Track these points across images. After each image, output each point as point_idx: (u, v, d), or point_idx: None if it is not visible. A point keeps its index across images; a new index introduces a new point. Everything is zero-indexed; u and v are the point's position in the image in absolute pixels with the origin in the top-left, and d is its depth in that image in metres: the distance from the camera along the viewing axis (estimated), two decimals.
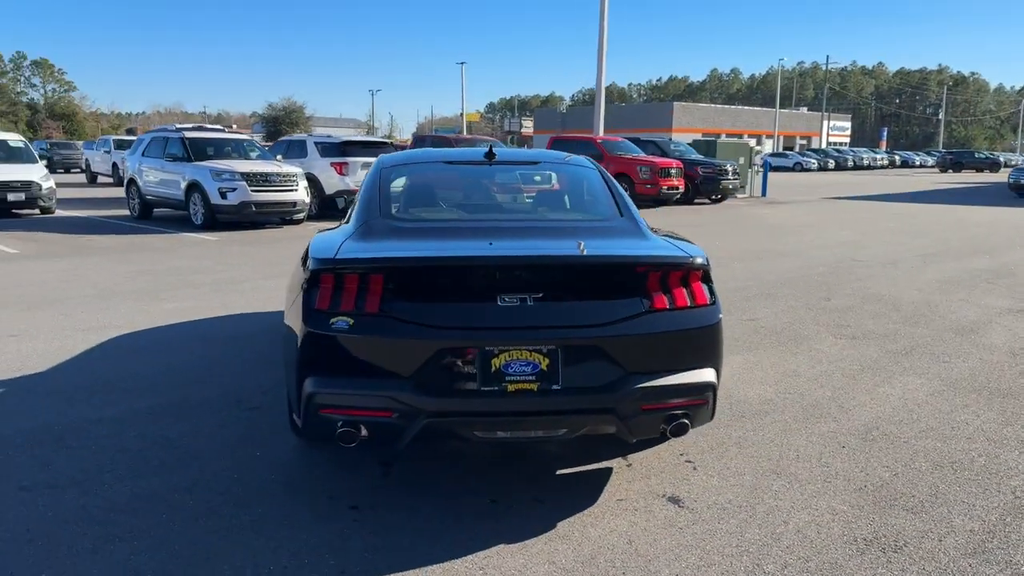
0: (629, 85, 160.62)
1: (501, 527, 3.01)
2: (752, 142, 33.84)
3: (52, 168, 29.66)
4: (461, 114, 69.69)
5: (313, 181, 16.06)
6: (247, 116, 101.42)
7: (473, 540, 2.91)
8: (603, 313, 3.02)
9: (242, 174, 13.56)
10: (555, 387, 2.93)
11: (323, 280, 3.00)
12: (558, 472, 3.52)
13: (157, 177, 14.94)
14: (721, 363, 3.26)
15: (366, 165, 15.98)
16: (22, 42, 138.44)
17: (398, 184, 4.10)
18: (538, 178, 4.59)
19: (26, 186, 15.32)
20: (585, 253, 3.09)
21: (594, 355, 2.99)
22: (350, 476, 3.43)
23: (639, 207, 3.96)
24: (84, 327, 6.08)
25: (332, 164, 15.87)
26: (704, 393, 3.16)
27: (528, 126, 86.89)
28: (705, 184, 21.03)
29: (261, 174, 13.76)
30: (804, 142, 76.07)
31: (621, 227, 3.61)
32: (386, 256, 3.05)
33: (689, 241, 3.59)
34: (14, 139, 16.99)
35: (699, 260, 3.20)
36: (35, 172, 15.76)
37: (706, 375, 3.16)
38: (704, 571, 2.73)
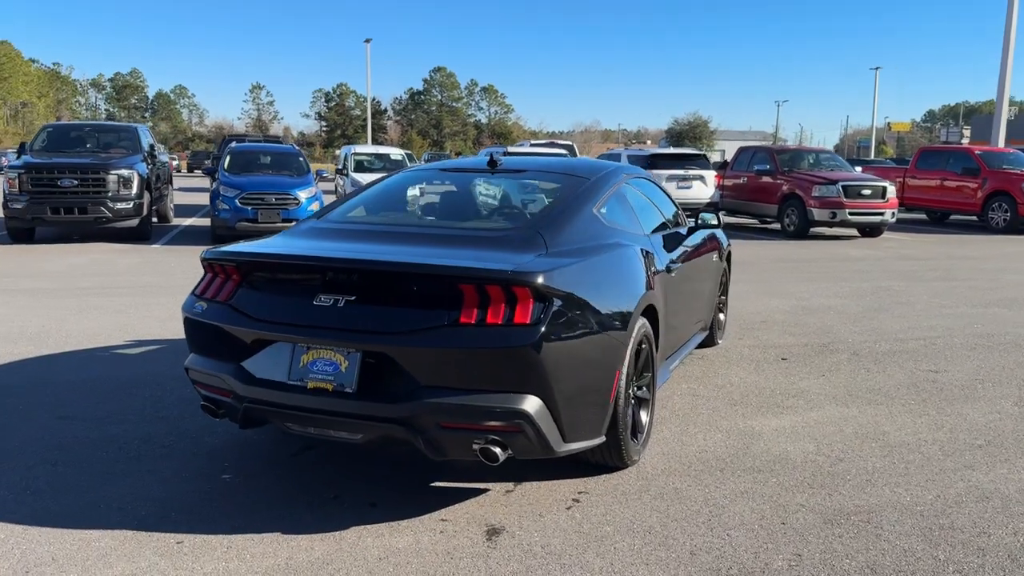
0: None
1: (310, 520, 3.10)
2: None
3: None
4: (872, 125, 63.87)
5: None
6: (664, 131, 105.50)
7: (292, 527, 3.04)
8: (402, 322, 2.93)
9: None
10: (348, 390, 2.95)
11: (204, 269, 3.42)
12: (433, 483, 3.45)
13: None
14: (552, 390, 2.92)
15: (672, 178, 15.89)
16: (477, 72, 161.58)
17: (375, 190, 4.32)
18: (512, 188, 4.41)
19: None
20: (399, 260, 3.04)
21: (388, 363, 2.93)
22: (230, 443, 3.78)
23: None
24: None
25: None
26: (514, 420, 2.88)
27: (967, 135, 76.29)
28: None
29: None
30: None
31: (511, 238, 3.39)
32: (236, 251, 3.33)
33: (579, 259, 3.25)
34: (396, 153, 20.30)
35: (522, 276, 2.91)
36: None
37: (516, 401, 2.87)
38: None
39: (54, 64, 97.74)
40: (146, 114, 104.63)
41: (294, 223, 4.24)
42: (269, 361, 3.11)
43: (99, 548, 2.81)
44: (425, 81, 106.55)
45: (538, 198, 4.10)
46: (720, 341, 6.13)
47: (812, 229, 15.61)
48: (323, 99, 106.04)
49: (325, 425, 3.06)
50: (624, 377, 3.39)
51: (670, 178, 15.87)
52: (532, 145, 22.12)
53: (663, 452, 3.88)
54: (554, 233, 3.45)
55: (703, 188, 16.22)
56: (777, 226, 16.29)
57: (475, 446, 2.93)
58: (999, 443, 4.10)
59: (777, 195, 16.05)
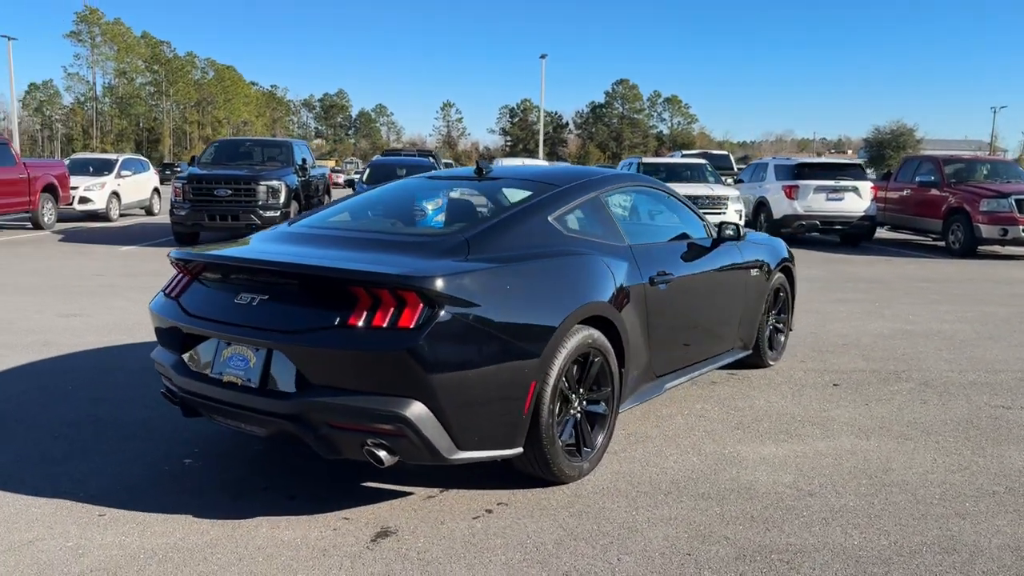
0: None
1: (226, 507, 3.28)
2: None
3: None
4: None
5: (764, 205, 15.71)
6: (863, 140, 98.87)
7: (206, 511, 3.26)
8: (298, 321, 3.05)
9: None
10: (252, 385, 3.11)
11: (173, 268, 3.72)
12: (365, 483, 3.53)
13: None
14: (438, 397, 2.92)
15: (820, 189, 14.96)
16: (661, 83, 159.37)
17: (361, 197, 4.46)
18: (476, 195, 4.34)
19: None
20: (301, 262, 3.16)
21: (284, 361, 3.06)
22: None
23: None
24: None
25: (783, 187, 15.24)
26: (396, 424, 2.91)
27: None
28: None
29: (691, 196, 14.13)
30: None
31: (436, 244, 3.39)
32: (187, 253, 3.58)
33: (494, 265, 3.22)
34: (537, 164, 20.63)
35: (408, 280, 2.93)
36: None
37: (398, 405, 2.90)
38: None
39: (272, 86, 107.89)
40: (349, 131, 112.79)
41: None
42: (201, 355, 3.34)
43: (31, 514, 3.16)
44: (607, 94, 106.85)
45: (497, 206, 4.08)
46: (773, 363, 5.73)
47: (981, 247, 14.08)
48: (508, 115, 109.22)
49: (238, 418, 3.23)
50: (549, 389, 3.30)
51: (818, 189, 14.93)
52: (683, 156, 21.64)
53: (619, 471, 3.73)
54: (483, 239, 3.43)
55: (857, 201, 15.09)
56: (943, 243, 14.81)
57: (364, 448, 2.99)
58: (1021, 491, 3.57)
59: (942, 209, 14.61)
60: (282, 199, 13.35)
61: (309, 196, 15.34)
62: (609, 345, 3.71)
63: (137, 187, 19.95)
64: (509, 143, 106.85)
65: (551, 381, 3.32)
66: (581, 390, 3.61)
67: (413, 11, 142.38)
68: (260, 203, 13.17)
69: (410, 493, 3.43)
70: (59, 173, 16.60)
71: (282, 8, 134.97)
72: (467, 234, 3.47)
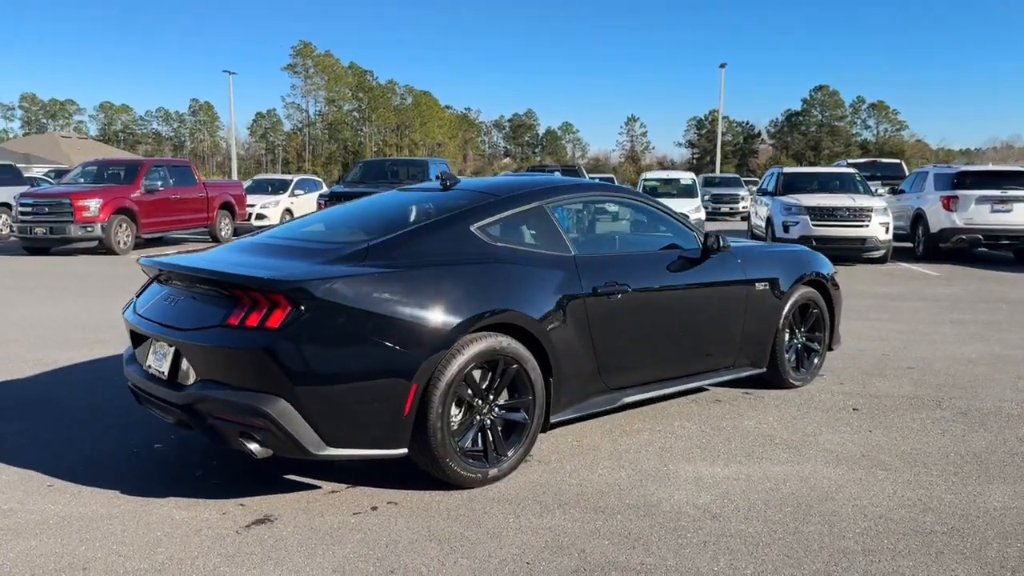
0: None
1: (152, 486, 3.66)
2: None
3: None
4: None
5: (921, 217, 14.41)
6: None
7: (126, 487, 3.67)
8: (191, 320, 3.38)
9: (807, 208, 13.41)
10: (163, 377, 3.48)
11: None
12: (287, 475, 3.77)
13: (762, 212, 15.76)
14: (299, 394, 3.12)
15: (983, 200, 13.50)
16: (863, 87, 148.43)
17: (337, 208, 4.72)
18: (424, 205, 4.36)
19: None
20: (201, 267, 3.46)
21: (180, 357, 3.40)
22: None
23: None
24: None
25: (941, 198, 13.88)
26: (260, 419, 3.14)
27: None
28: None
29: (827, 208, 13.29)
30: None
31: (338, 250, 3.56)
32: (143, 259, 3.98)
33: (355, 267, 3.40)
34: (686, 178, 20.18)
35: (274, 284, 3.15)
36: (688, 206, 18.45)
37: (261, 400, 3.14)
38: None
39: (465, 109, 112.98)
40: (536, 149, 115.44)
41: None
42: (141, 351, 3.77)
43: None
44: (804, 101, 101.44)
45: (426, 215, 4.14)
46: (798, 383, 5.35)
47: None
48: (694, 127, 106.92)
49: (156, 407, 3.60)
50: (438, 393, 3.37)
51: (981, 199, 13.47)
52: (848, 164, 20.27)
53: (537, 480, 3.72)
54: (385, 247, 3.58)
55: None
56: None
57: (238, 439, 3.25)
58: (965, 532, 3.17)
59: None
60: None
61: None
62: (528, 354, 3.72)
63: (308, 204, 21.82)
64: (696, 155, 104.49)
65: (441, 386, 3.40)
66: (491, 397, 3.65)
67: (599, 30, 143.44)
68: None
69: (318, 487, 3.64)
70: (236, 193, 18.57)
71: (476, 37, 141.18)
72: (372, 241, 3.64)
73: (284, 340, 3.12)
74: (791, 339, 5.33)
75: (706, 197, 27.48)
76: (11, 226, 15.85)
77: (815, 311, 5.43)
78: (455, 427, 3.54)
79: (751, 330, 4.94)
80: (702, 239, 4.69)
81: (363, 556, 2.97)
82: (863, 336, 7.14)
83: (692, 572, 2.85)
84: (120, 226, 14.76)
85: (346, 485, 3.65)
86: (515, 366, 3.67)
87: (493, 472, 3.64)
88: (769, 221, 14.39)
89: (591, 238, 4.71)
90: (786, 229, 13.63)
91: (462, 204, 4.06)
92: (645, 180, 20.24)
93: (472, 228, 3.85)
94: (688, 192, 19.41)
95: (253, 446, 3.22)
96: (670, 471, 3.85)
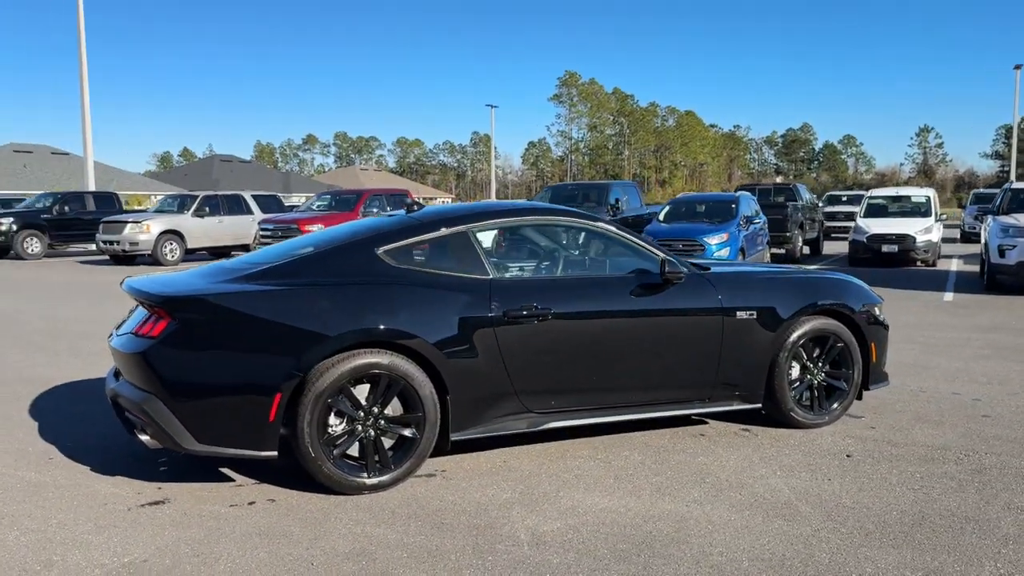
0: None
1: (113, 466, 4.33)
2: None
3: None
4: None
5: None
6: None
7: (95, 462, 4.39)
8: (125, 328, 4.00)
9: None
10: (113, 376, 4.16)
11: None
12: (222, 468, 4.26)
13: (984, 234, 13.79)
14: (168, 396, 3.59)
15: None
16: None
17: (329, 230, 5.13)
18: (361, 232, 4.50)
19: (900, 239, 16.42)
20: (143, 288, 4.04)
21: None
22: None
23: None
24: None
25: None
26: (143, 415, 3.69)
27: None
28: None
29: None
30: None
31: (251, 271, 3.95)
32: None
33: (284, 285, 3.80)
34: (919, 195, 18.15)
35: (156, 297, 3.69)
36: (916, 226, 16.62)
37: (141, 398, 3.69)
38: None
39: (734, 127, 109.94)
40: (811, 165, 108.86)
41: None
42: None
43: (9, 451, 4.61)
44: None
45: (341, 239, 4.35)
46: (808, 422, 4.81)
47: None
48: (1004, 135, 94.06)
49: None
50: (308, 403, 3.65)
51: None
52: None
53: (417, 495, 3.84)
54: (283, 268, 3.97)
55: None
56: None
57: (135, 431, 3.82)
58: None
59: None
60: None
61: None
62: (418, 372, 3.87)
63: None
64: (1003, 168, 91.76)
65: (310, 395, 3.69)
66: (375, 410, 3.85)
67: (880, 36, 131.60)
68: None
69: (233, 480, 4.09)
70: None
71: (742, 52, 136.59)
72: (278, 262, 4.04)
73: (161, 347, 3.63)
74: (803, 374, 4.83)
75: (971, 215, 24.54)
76: (255, 246, 18.60)
77: (839, 345, 4.85)
78: (336, 435, 3.80)
79: (733, 362, 4.58)
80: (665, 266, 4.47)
81: (189, 540, 3.34)
82: (962, 377, 6.14)
83: None
84: None
85: (254, 481, 4.06)
86: (401, 383, 3.84)
87: (372, 481, 3.84)
88: (987, 245, 12.57)
89: (525, 263, 4.68)
90: (1002, 254, 11.82)
91: (383, 228, 4.31)
92: (870, 198, 18.54)
93: (378, 251, 4.08)
94: (918, 211, 17.44)
95: (144, 437, 3.76)
96: (553, 498, 3.77)
